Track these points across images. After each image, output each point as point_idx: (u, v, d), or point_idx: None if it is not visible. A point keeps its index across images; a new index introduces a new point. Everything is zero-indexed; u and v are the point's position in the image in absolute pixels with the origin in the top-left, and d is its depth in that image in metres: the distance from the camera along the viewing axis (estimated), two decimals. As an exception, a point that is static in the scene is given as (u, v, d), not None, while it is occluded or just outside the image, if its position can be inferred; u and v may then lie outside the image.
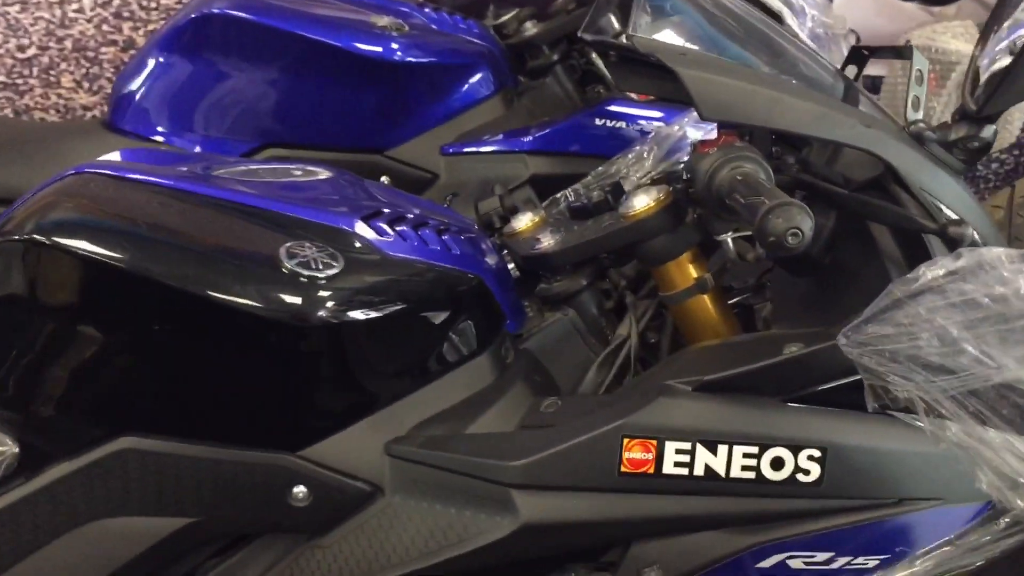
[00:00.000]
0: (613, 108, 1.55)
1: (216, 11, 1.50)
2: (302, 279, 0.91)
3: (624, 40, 1.03)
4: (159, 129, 1.57)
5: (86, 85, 2.00)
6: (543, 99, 1.69)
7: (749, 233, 0.91)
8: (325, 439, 0.95)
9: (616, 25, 1.09)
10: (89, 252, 0.91)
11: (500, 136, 1.57)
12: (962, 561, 0.95)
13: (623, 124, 1.54)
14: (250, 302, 0.90)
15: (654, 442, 0.87)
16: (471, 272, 1.02)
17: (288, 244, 0.93)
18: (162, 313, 0.92)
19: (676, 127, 1.45)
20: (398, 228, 1.00)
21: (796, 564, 0.92)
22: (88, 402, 0.96)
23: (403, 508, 0.94)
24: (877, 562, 0.94)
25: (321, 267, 0.92)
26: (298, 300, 0.91)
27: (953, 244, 0.82)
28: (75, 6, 1.93)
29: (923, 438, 0.85)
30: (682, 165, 1.42)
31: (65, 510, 0.97)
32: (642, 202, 1.01)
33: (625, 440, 0.87)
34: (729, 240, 0.94)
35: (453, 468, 0.92)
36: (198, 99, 1.55)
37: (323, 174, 1.11)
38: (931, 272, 0.64)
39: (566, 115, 1.58)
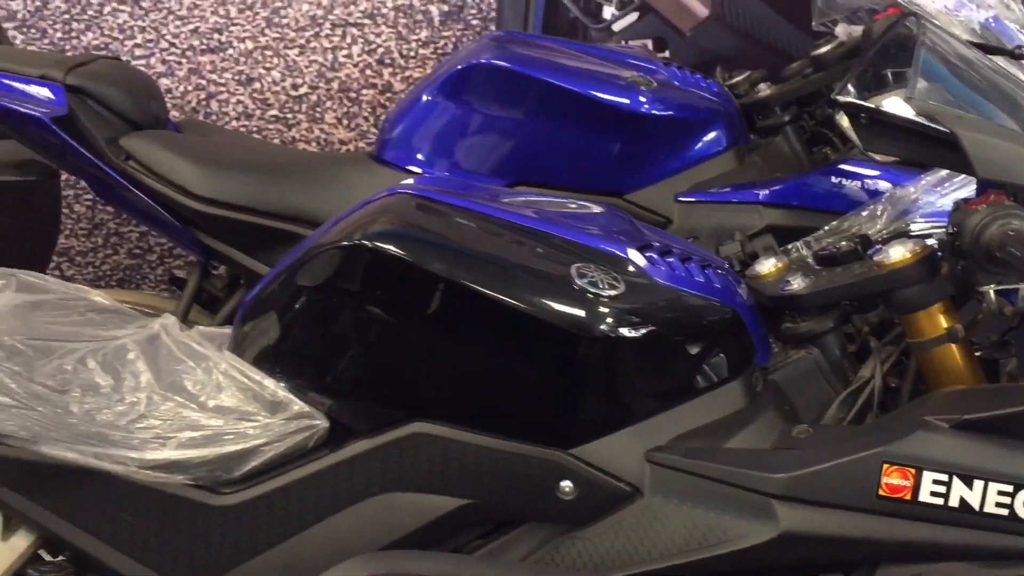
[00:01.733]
0: (848, 168, 1.63)
1: (485, 62, 1.68)
2: (588, 296, 1.04)
3: (886, 104, 1.12)
4: (420, 162, 1.75)
5: (345, 122, 2.24)
6: (772, 157, 1.78)
7: (1011, 287, 0.98)
8: (592, 441, 1.06)
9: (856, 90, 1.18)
10: (408, 259, 1.07)
11: (734, 187, 1.68)
12: None
13: (856, 183, 1.61)
14: (543, 312, 1.04)
15: (912, 470, 0.93)
16: (729, 305, 1.12)
17: (577, 265, 1.06)
18: (465, 317, 1.07)
19: (911, 189, 1.51)
20: (667, 259, 1.12)
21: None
22: (390, 390, 1.12)
23: (662, 509, 1.04)
24: None
25: (606, 287, 1.05)
26: (584, 314, 1.04)
27: None
28: (345, 52, 2.17)
29: None
30: (915, 225, 1.50)
31: (361, 481, 1.12)
32: (899, 253, 1.09)
33: (884, 466, 0.94)
34: (992, 292, 1.00)
35: (713, 476, 1.01)
36: (459, 138, 1.73)
37: (596, 208, 1.24)
38: None
39: (801, 171, 1.67)
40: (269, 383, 1.14)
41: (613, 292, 1.04)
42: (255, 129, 2.24)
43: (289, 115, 2.24)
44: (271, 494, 1.13)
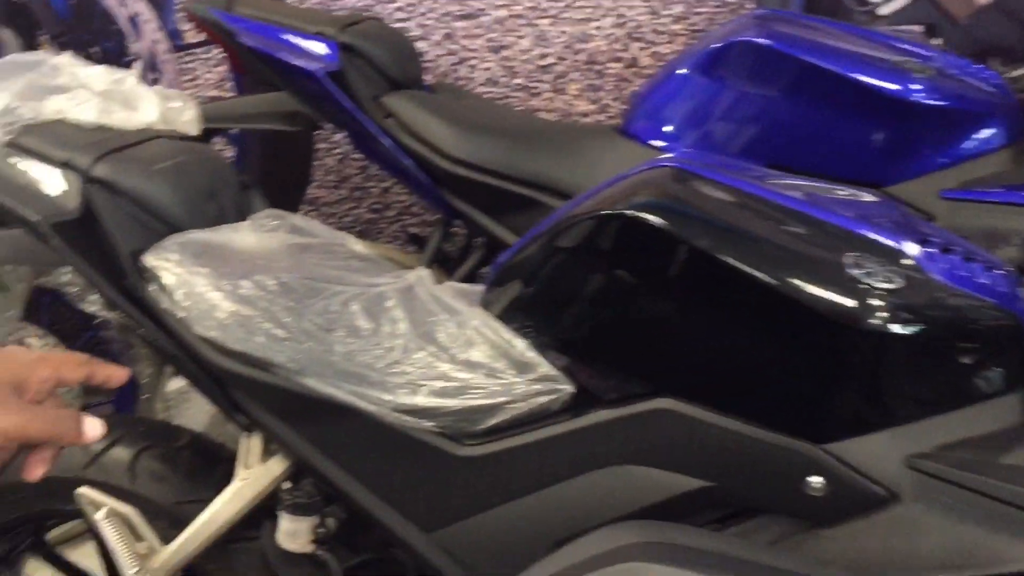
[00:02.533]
0: None
1: (748, 40, 1.63)
2: (861, 286, 0.99)
3: None
4: (668, 138, 1.73)
5: (588, 94, 2.24)
6: (1054, 158, 1.63)
7: None
8: (849, 439, 1.02)
9: None
10: (673, 232, 1.05)
11: (1009, 188, 1.55)
12: None
13: None
14: (811, 297, 0.99)
15: None
16: (1013, 312, 1.04)
17: (850, 254, 1.01)
18: (726, 296, 1.04)
19: None
20: (948, 256, 1.05)
21: None
22: (640, 363, 1.11)
23: (923, 519, 0.97)
24: None
25: (880, 280, 0.99)
26: (855, 304, 0.98)
27: None
28: (596, 24, 2.17)
29: None
30: None
31: (600, 449, 1.12)
32: None
33: None
34: None
35: (987, 492, 0.94)
36: (712, 116, 1.69)
37: (867, 196, 1.18)
38: None
39: (1091, 177, 1.53)
40: (519, 343, 1.17)
41: (888, 285, 0.99)
42: (499, 96, 2.29)
43: (534, 84, 2.27)
44: (511, 451, 1.15)
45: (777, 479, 1.04)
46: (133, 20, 2.42)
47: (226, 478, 1.37)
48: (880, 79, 1.57)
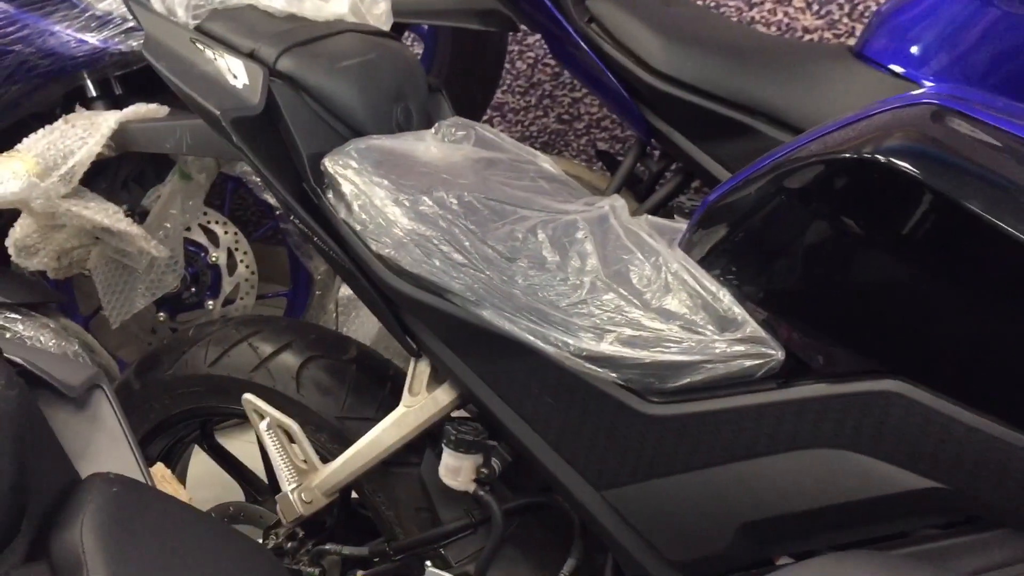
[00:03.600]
0: None
1: (1029, -48, 1.37)
2: None
3: None
4: (915, 65, 1.49)
5: (815, 8, 2.00)
6: None
7: None
8: None
9: None
10: (935, 186, 0.86)
11: None
12: None
13: None
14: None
15: None
16: None
17: None
18: (991, 265, 0.86)
19: None
20: None
21: None
22: (871, 336, 0.94)
23: None
24: None
25: None
26: None
27: None
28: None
29: None
30: None
31: (809, 428, 0.97)
32: None
33: None
34: None
35: None
36: (974, 42, 1.44)
37: None
38: None
39: None
40: (725, 296, 1.02)
41: None
42: (713, 4, 2.07)
43: (754, -8, 2.04)
44: (704, 415, 1.02)
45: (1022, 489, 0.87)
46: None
47: (391, 398, 1.30)
48: None
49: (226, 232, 2.23)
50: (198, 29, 1.25)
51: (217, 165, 1.80)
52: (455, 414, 1.26)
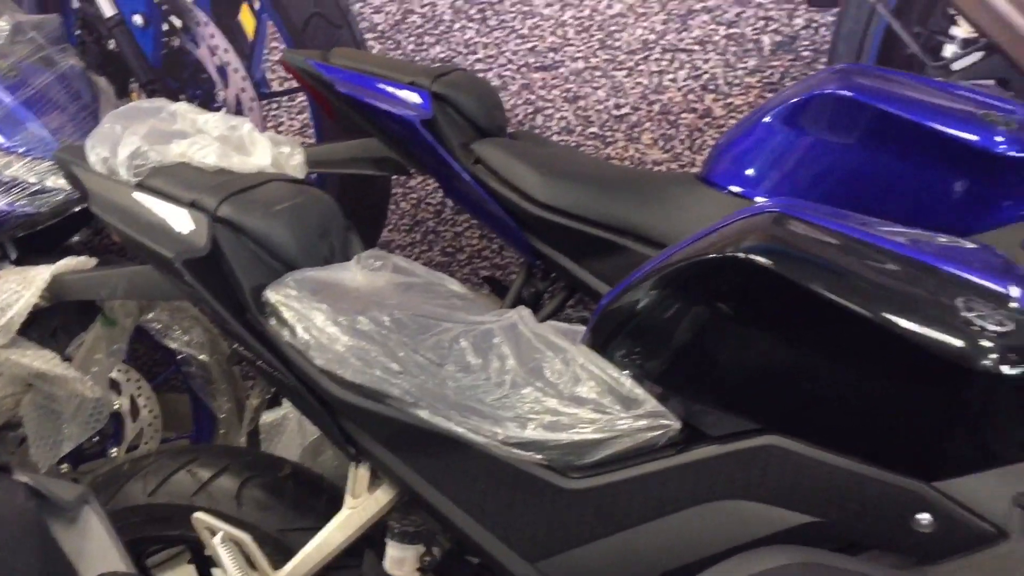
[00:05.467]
0: None
1: (831, 91, 1.68)
2: (974, 328, 1.02)
3: None
4: (750, 186, 1.78)
5: (661, 143, 2.30)
6: None
7: None
8: (958, 477, 1.05)
9: None
10: (785, 274, 1.09)
11: (1092, 240, 1.58)
12: None
13: None
14: (925, 339, 1.02)
15: None
16: (1119, 356, 1.07)
17: (962, 297, 1.05)
18: (839, 337, 1.08)
19: None
20: (1053, 302, 1.08)
21: None
22: (749, 401, 1.15)
23: (1031, 558, 1.01)
24: None
25: (992, 323, 1.03)
26: (969, 346, 1.02)
27: None
28: (670, 76, 2.24)
29: None
30: None
31: (707, 484, 1.16)
32: None
33: None
34: None
35: (1099, 531, 0.97)
36: (795, 165, 1.73)
37: (968, 244, 1.22)
38: None
39: None
40: (625, 380, 1.21)
41: (1001, 328, 1.02)
42: (574, 144, 2.36)
43: (608, 133, 2.33)
44: (617, 484, 1.19)
45: (886, 516, 1.07)
46: (222, 69, 2.52)
47: (329, 507, 1.42)
48: (963, 130, 1.62)
49: (128, 379, 2.29)
50: (140, 186, 1.40)
51: (139, 311, 1.90)
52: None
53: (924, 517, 1.05)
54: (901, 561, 1.09)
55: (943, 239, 1.23)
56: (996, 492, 1.04)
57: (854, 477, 1.08)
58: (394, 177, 2.49)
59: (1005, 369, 1.02)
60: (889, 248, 1.13)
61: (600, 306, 1.31)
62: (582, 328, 1.33)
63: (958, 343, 1.02)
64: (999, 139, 1.60)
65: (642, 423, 1.18)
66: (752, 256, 1.11)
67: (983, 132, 1.61)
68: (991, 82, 2.03)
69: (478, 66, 2.35)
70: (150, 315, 2.09)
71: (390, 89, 1.89)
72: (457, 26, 2.33)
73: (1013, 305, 1.06)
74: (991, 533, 1.02)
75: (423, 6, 2.35)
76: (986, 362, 1.02)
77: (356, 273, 1.42)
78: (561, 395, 1.22)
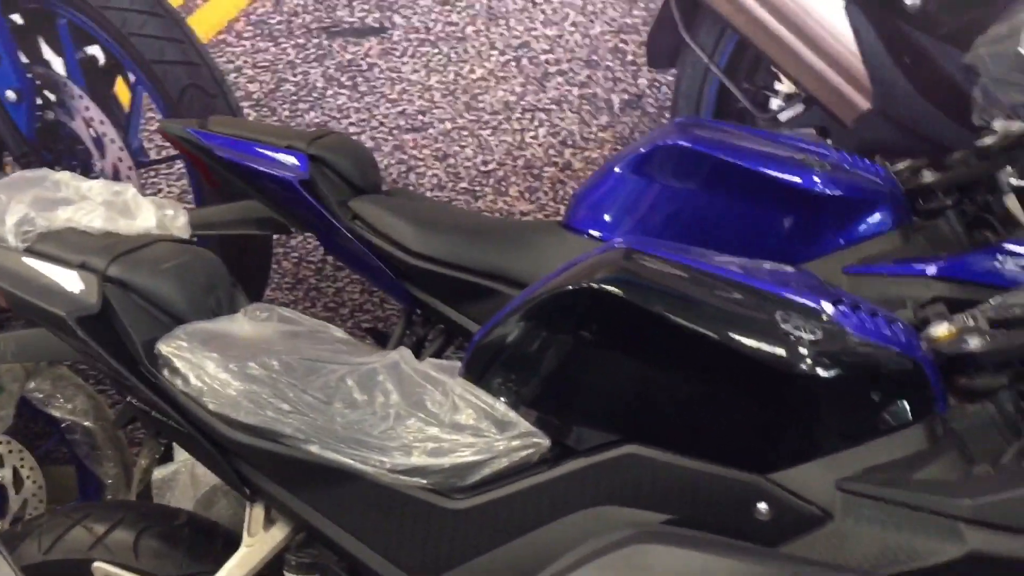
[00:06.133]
0: (1012, 247, 1.74)
1: (672, 143, 1.88)
2: (791, 339, 1.19)
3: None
4: (607, 230, 1.95)
5: (527, 195, 2.48)
6: (935, 238, 1.90)
7: None
8: (788, 469, 1.20)
9: None
10: (632, 301, 1.24)
11: (900, 262, 1.81)
12: None
13: (1020, 262, 1.73)
14: (752, 350, 1.19)
15: (1095, 501, 1.04)
16: (912, 356, 1.26)
17: (780, 312, 1.22)
18: (681, 353, 1.23)
19: (1077, 270, 1.62)
20: (857, 313, 1.27)
21: None
22: (609, 416, 1.29)
23: (851, 532, 1.16)
24: None
25: (806, 333, 1.20)
26: (787, 354, 1.19)
27: None
28: (532, 134, 2.42)
29: None
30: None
31: (576, 494, 1.28)
32: (1078, 318, 1.21)
33: (1068, 496, 1.05)
34: None
35: (903, 502, 1.13)
36: (644, 210, 1.92)
37: (788, 268, 1.40)
38: None
39: (966, 249, 1.79)
40: (499, 405, 1.33)
41: (812, 337, 1.20)
42: (446, 199, 2.50)
43: (477, 188, 2.49)
44: (497, 501, 1.30)
45: (731, 508, 1.21)
46: (98, 140, 2.57)
47: (226, 550, 1.48)
48: (786, 173, 1.83)
49: (10, 451, 2.28)
50: (29, 251, 1.45)
51: (26, 376, 1.91)
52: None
53: (763, 506, 1.20)
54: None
55: (768, 266, 1.41)
56: (821, 479, 1.20)
57: (702, 476, 1.22)
58: (275, 237, 2.57)
59: (819, 371, 1.19)
60: (722, 275, 1.30)
61: (473, 341, 1.43)
62: (459, 363, 1.45)
63: (779, 351, 1.20)
64: (817, 179, 1.83)
65: (516, 443, 1.30)
66: (604, 286, 1.26)
67: (803, 174, 1.83)
68: (811, 130, 2.28)
69: (352, 129, 2.48)
70: (31, 384, 2.10)
71: (268, 153, 1.99)
72: (330, 92, 2.47)
73: (824, 318, 1.24)
74: (819, 516, 1.18)
75: (296, 75, 2.48)
76: (803, 366, 1.19)
77: (244, 324, 1.50)
78: (442, 423, 1.33)
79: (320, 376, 1.39)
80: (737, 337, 1.20)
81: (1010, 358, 1.27)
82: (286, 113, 2.49)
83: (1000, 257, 1.74)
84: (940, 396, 1.29)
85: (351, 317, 2.62)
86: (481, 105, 2.43)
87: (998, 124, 1.97)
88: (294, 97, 2.49)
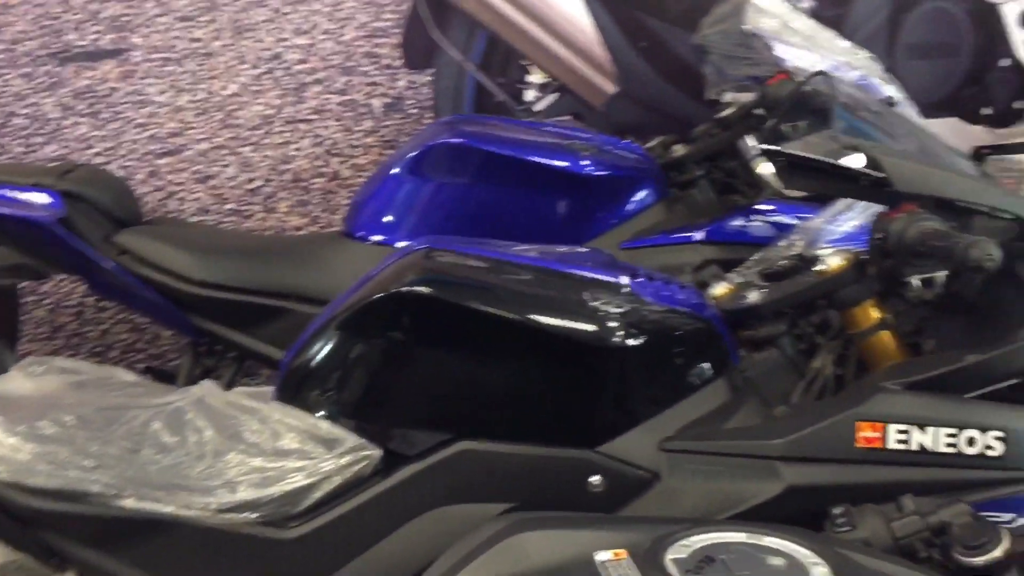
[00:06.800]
0: (765, 207, 1.91)
1: (444, 141, 1.91)
2: (600, 313, 1.25)
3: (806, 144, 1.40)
4: (391, 234, 1.94)
5: (298, 210, 2.42)
6: (692, 206, 2.05)
7: (932, 275, 1.25)
8: (614, 439, 1.26)
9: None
10: (445, 299, 1.26)
11: (669, 232, 1.94)
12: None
13: (770, 220, 1.90)
14: (567, 331, 1.24)
15: (881, 424, 1.17)
16: (707, 316, 1.36)
17: (588, 291, 1.28)
18: (499, 344, 1.26)
19: (817, 221, 1.81)
20: (653, 283, 1.35)
21: (988, 523, 1.20)
22: (437, 416, 1.29)
23: (680, 488, 1.23)
24: (1045, 522, 1.22)
25: (613, 307, 1.26)
26: (599, 329, 1.24)
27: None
28: (295, 146, 2.37)
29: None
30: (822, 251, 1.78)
31: (414, 499, 1.28)
32: (835, 260, 1.35)
33: (858, 423, 1.17)
34: (915, 281, 1.27)
35: (721, 452, 1.22)
36: (425, 209, 1.93)
37: (581, 249, 1.47)
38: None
39: (724, 214, 1.95)
40: (323, 423, 1.30)
41: (619, 310, 1.26)
42: (213, 222, 2.39)
43: (245, 208, 2.40)
44: (334, 522, 1.27)
45: (566, 485, 1.26)
46: None
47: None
48: (556, 159, 1.91)
49: None
50: None
51: None
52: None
53: (596, 479, 1.25)
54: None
55: (562, 249, 1.47)
56: (645, 443, 1.27)
57: (535, 460, 1.26)
58: (21, 286, 2.35)
59: (628, 342, 1.26)
60: (524, 262, 1.34)
61: (284, 363, 1.39)
62: (271, 389, 1.40)
63: (591, 328, 1.25)
64: (585, 163, 1.92)
65: (346, 459, 1.28)
66: (415, 288, 1.26)
67: (571, 159, 1.92)
68: (568, 117, 2.39)
69: (97, 160, 2.31)
70: None
71: (11, 193, 1.82)
72: (68, 123, 2.29)
73: (624, 291, 1.30)
74: (648, 478, 1.25)
75: (26, 107, 2.28)
76: (615, 338, 1.25)
77: (22, 382, 1.38)
78: (264, 452, 1.28)
79: (122, 424, 1.30)
80: (550, 320, 1.25)
81: (784, 306, 1.40)
82: (20, 149, 2.28)
83: (753, 217, 1.91)
84: (733, 349, 1.39)
85: (122, 359, 2.45)
86: (238, 121, 2.34)
87: (730, 96, 2.16)
88: (27, 131, 2.28)
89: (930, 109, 2.46)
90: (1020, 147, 1.53)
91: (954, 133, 2.60)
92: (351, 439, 1.29)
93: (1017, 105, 2.53)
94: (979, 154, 1.54)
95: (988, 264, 1.09)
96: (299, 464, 1.27)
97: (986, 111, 2.60)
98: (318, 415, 1.31)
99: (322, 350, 1.32)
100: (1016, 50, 2.50)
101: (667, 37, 2.42)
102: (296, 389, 1.34)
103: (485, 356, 1.27)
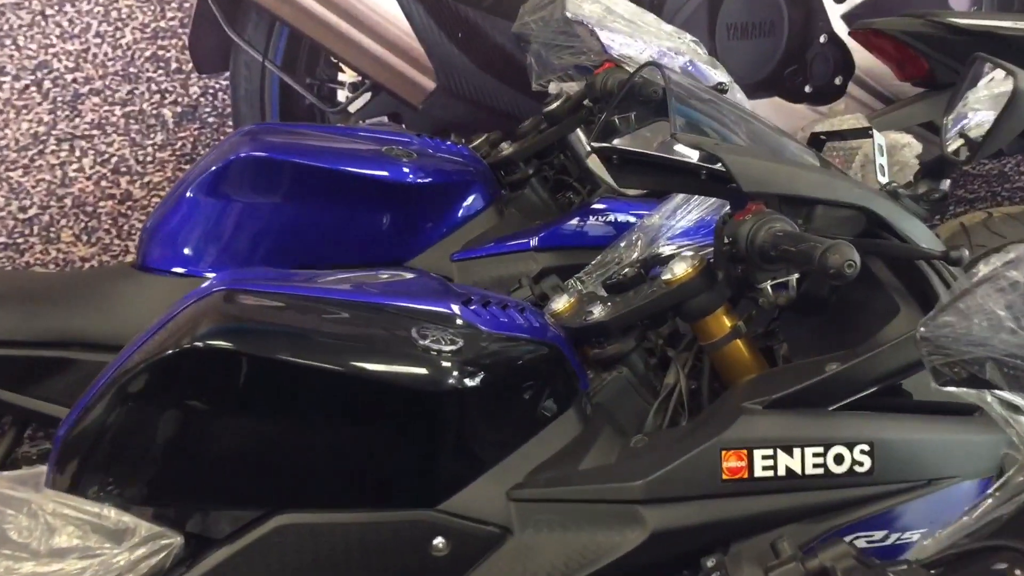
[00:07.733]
0: (598, 206, 1.79)
1: (244, 155, 1.68)
2: (432, 354, 1.09)
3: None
4: (190, 263, 1.71)
5: (85, 238, 2.12)
6: (525, 207, 1.92)
7: (784, 279, 1.15)
8: (456, 493, 1.11)
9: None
10: (246, 352, 1.06)
11: (502, 240, 1.79)
12: (977, 527, 1.16)
13: (608, 219, 1.79)
14: (392, 376, 1.07)
15: (745, 451, 1.06)
16: (549, 341, 1.22)
17: (415, 327, 1.11)
18: (312, 398, 1.08)
19: (655, 217, 1.70)
20: (489, 309, 1.20)
21: (860, 544, 1.12)
22: (245, 488, 1.10)
23: (533, 543, 1.09)
24: (918, 536, 1.15)
25: (446, 343, 1.10)
26: (431, 371, 1.08)
27: (953, 265, 1.07)
28: (75, 166, 2.07)
29: (944, 427, 1.10)
30: (665, 248, 1.69)
31: (229, 590, 1.09)
32: (682, 269, 1.23)
33: (723, 452, 1.06)
34: (768, 287, 1.17)
35: (576, 498, 1.09)
36: (229, 233, 1.71)
37: (407, 274, 1.30)
38: (986, 266, 0.85)
39: (560, 216, 1.82)
40: (110, 511, 1.08)
41: (453, 347, 1.10)
42: (-17, 259, 2.08)
43: (20, 240, 2.09)
44: (134, 631, 1.07)
45: (406, 553, 1.09)
46: None
47: None
48: (372, 168, 1.73)
49: None
50: None
51: None
52: None
53: (439, 541, 1.09)
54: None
55: (385, 275, 1.29)
56: (492, 494, 1.12)
57: (366, 528, 1.09)
58: None
59: (467, 382, 1.10)
60: (338, 298, 1.16)
61: (58, 437, 1.15)
62: (43, 468, 1.16)
63: (421, 371, 1.09)
64: (406, 170, 1.75)
65: (141, 551, 1.07)
66: (209, 342, 1.06)
67: (391, 167, 1.74)
68: (384, 119, 2.21)
69: None
70: None
71: None
72: None
73: (459, 322, 1.15)
74: (497, 534, 1.10)
75: None
76: (450, 380, 1.09)
77: None
78: (37, 555, 1.06)
79: None
80: (372, 366, 1.08)
81: (632, 321, 1.29)
82: None
83: (591, 218, 1.79)
84: (581, 373, 1.26)
85: None
86: (3, 142, 2.03)
87: (552, 87, 2.04)
88: None
89: (753, 89, 2.44)
90: (858, 132, 1.46)
91: (778, 113, 2.59)
92: (144, 527, 1.08)
93: (838, 81, 2.52)
94: (816, 140, 1.47)
95: (849, 271, 0.99)
96: (82, 565, 1.05)
97: (808, 88, 2.59)
98: (102, 501, 1.09)
99: (101, 421, 1.09)
100: (833, 25, 2.50)
101: (485, 26, 2.27)
102: (73, 470, 1.11)
103: (299, 414, 1.08)
